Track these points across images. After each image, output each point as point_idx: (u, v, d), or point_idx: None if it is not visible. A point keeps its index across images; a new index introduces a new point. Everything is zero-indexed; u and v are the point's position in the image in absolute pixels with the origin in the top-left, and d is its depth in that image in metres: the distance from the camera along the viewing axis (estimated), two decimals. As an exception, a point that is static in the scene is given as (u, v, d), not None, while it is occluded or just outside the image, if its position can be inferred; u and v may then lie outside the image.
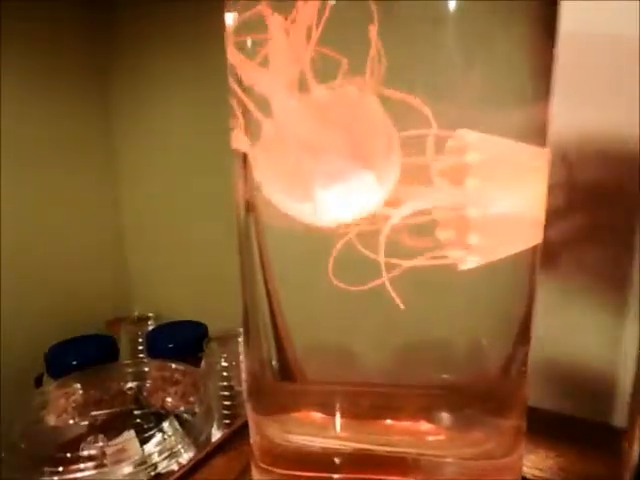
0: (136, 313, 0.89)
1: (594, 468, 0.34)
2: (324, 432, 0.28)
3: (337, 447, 0.27)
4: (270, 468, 0.28)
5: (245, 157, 0.25)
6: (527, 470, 0.34)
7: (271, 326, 0.27)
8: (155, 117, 0.80)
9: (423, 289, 0.23)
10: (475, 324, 0.25)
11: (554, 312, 0.40)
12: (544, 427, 0.36)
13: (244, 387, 0.29)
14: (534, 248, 0.25)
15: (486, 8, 0.21)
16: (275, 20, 0.20)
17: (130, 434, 0.55)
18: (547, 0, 0.23)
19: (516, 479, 0.27)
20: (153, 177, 0.84)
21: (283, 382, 0.27)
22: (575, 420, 0.39)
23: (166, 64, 0.76)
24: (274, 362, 0.27)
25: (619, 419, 0.39)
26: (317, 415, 0.29)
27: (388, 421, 0.28)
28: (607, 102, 0.36)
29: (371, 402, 0.27)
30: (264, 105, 0.21)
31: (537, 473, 0.34)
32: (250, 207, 0.25)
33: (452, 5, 0.20)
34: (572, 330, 0.40)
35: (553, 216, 0.36)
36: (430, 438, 0.28)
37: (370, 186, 0.20)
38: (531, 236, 0.24)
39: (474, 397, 0.26)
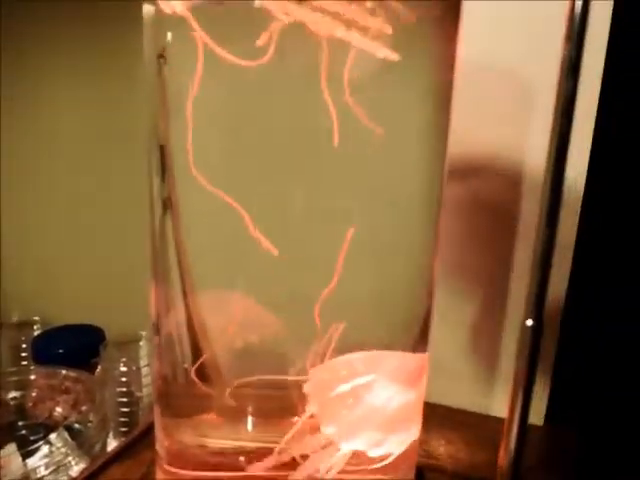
0: (15, 318, 0.81)
1: (477, 452, 0.38)
2: (235, 433, 0.28)
3: (245, 445, 0.28)
4: (179, 471, 0.28)
5: (163, 152, 0.25)
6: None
7: (186, 329, 0.26)
8: (43, 116, 0.74)
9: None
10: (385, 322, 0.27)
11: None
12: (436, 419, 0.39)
13: (153, 391, 0.28)
14: (432, 258, 0.27)
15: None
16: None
17: (11, 448, 0.50)
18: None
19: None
20: (37, 172, 0.77)
21: (197, 385, 0.27)
22: (458, 411, 0.43)
23: (57, 60, 0.70)
24: (187, 365, 0.27)
25: (497, 410, 0.43)
26: (228, 416, 0.29)
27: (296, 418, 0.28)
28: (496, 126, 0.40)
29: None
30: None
31: (432, 462, 0.36)
32: (168, 205, 0.25)
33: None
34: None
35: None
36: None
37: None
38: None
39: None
